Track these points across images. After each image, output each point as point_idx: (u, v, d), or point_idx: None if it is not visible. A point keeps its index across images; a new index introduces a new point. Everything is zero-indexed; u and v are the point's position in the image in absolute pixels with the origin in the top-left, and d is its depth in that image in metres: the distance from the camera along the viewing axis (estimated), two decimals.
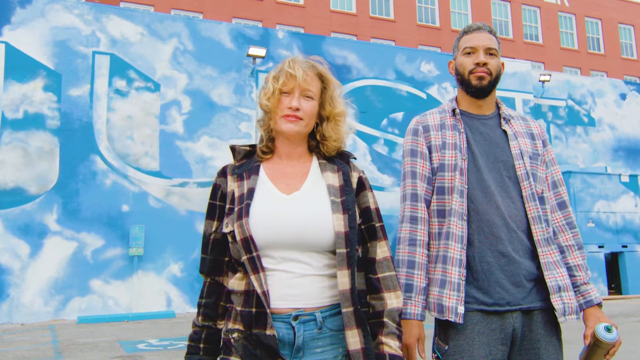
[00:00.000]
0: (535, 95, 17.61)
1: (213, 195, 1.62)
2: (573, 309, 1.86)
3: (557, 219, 1.99)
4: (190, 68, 13.42)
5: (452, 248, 1.86)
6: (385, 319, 1.54)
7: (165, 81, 13.17)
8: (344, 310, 1.47)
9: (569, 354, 2.12)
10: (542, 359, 1.83)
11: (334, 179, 1.61)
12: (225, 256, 1.59)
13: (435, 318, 1.90)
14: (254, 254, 1.47)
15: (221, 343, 1.55)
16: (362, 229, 1.61)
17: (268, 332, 1.43)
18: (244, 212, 1.50)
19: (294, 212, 1.52)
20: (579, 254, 1.97)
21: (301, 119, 1.58)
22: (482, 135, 1.98)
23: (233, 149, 1.67)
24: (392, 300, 1.56)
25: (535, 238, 1.87)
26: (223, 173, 1.64)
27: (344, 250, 1.49)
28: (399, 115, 15.39)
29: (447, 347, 1.84)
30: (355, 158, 1.71)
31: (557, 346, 1.88)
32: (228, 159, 1.69)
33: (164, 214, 12.49)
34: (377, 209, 1.65)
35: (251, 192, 1.55)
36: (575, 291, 1.93)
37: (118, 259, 11.96)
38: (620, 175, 16.38)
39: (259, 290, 1.45)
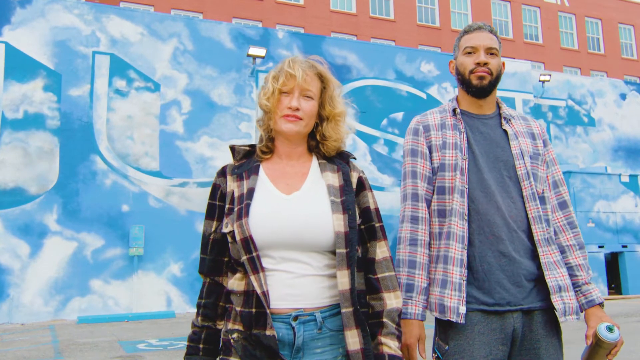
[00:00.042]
0: (535, 95, 17.60)
1: (212, 195, 1.62)
2: (573, 309, 1.86)
3: (558, 218, 1.98)
4: (190, 68, 13.42)
5: (453, 248, 1.85)
6: (384, 319, 1.54)
7: (165, 81, 13.17)
8: (343, 310, 1.47)
9: (569, 354, 2.12)
10: (543, 359, 1.82)
11: (334, 179, 1.60)
12: (224, 256, 1.58)
13: (436, 318, 1.90)
14: (254, 254, 1.47)
15: (221, 343, 1.55)
16: (361, 229, 1.60)
17: (268, 332, 1.43)
18: (243, 212, 1.50)
19: (293, 212, 1.51)
20: (580, 254, 1.96)
21: (301, 119, 1.58)
22: (482, 135, 1.98)
23: (232, 148, 1.67)
24: (392, 300, 1.56)
25: (535, 238, 1.87)
26: (222, 173, 1.63)
27: (344, 251, 1.48)
28: (399, 115, 15.39)
29: (447, 347, 1.84)
30: (355, 158, 1.71)
31: (558, 346, 1.88)
32: (228, 159, 1.69)
33: (164, 214, 12.49)
34: (377, 209, 1.64)
35: (251, 192, 1.55)
36: (576, 291, 1.92)
37: (118, 259, 11.96)
38: (620, 175, 16.38)
39: (258, 291, 1.45)
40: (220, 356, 1.52)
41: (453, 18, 27.18)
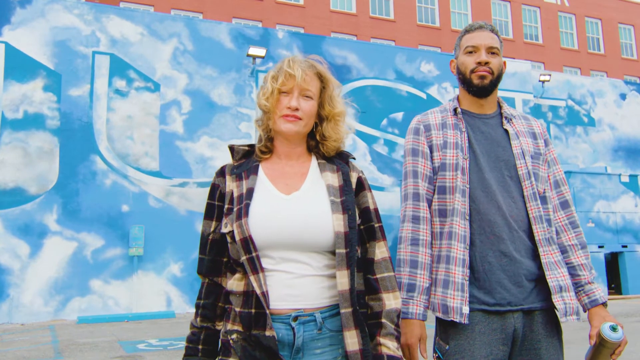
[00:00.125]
0: (535, 95, 17.60)
1: (211, 195, 1.61)
2: (574, 309, 1.85)
3: (559, 218, 1.98)
4: (190, 68, 13.41)
5: (455, 248, 1.85)
6: (383, 320, 1.53)
7: (165, 81, 13.16)
8: (342, 310, 1.46)
9: (569, 354, 2.12)
10: (543, 359, 1.82)
11: (334, 179, 1.60)
12: (223, 257, 1.57)
13: (437, 317, 1.89)
14: (254, 254, 1.46)
15: (219, 344, 1.54)
16: (361, 230, 1.60)
17: (267, 333, 1.42)
18: (243, 212, 1.49)
19: (293, 212, 1.51)
20: (582, 253, 1.95)
21: (300, 118, 1.57)
22: (483, 135, 1.97)
23: (232, 148, 1.66)
24: (391, 301, 1.55)
25: (536, 238, 1.86)
26: (222, 173, 1.63)
27: (344, 251, 1.48)
28: (399, 115, 15.38)
29: (447, 346, 1.84)
30: (354, 158, 1.70)
31: (558, 346, 1.87)
32: (228, 159, 1.68)
33: (164, 214, 12.48)
34: (376, 210, 1.64)
35: (250, 192, 1.54)
36: (579, 290, 1.91)
37: (118, 259, 11.95)
38: (620, 175, 16.38)
39: (258, 291, 1.44)
40: (220, 357, 1.51)
41: (453, 18, 27.18)
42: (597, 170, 16.34)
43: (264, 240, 1.48)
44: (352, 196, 1.57)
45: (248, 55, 13.67)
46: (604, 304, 1.89)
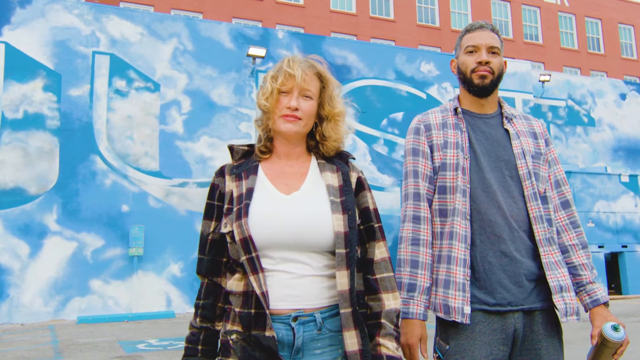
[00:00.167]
0: (535, 95, 17.60)
1: (211, 195, 1.60)
2: (574, 309, 1.85)
3: (560, 218, 1.97)
4: (190, 68, 13.41)
5: (456, 248, 1.84)
6: (383, 320, 1.53)
7: (165, 81, 13.16)
8: (342, 311, 1.46)
9: (569, 354, 2.11)
10: (543, 359, 1.82)
11: (333, 179, 1.59)
12: (223, 257, 1.57)
13: (437, 317, 1.89)
14: (253, 254, 1.46)
15: (219, 345, 1.54)
16: (360, 230, 1.59)
17: (267, 333, 1.42)
18: (243, 212, 1.49)
19: (293, 213, 1.50)
20: (584, 253, 1.95)
21: (300, 118, 1.57)
22: (484, 134, 1.97)
23: (231, 148, 1.65)
24: (390, 301, 1.55)
25: (536, 238, 1.86)
26: (221, 173, 1.62)
27: (344, 251, 1.48)
28: (399, 115, 15.38)
29: (448, 346, 1.83)
30: (354, 158, 1.70)
31: (558, 347, 1.87)
32: (228, 159, 1.68)
33: (163, 214, 12.48)
34: (376, 210, 1.63)
35: (250, 192, 1.53)
36: (581, 290, 1.91)
37: (118, 259, 11.95)
38: (620, 175, 16.38)
39: (258, 291, 1.43)
40: (219, 357, 1.50)
41: (453, 18, 27.18)
42: (597, 170, 16.34)
43: (263, 240, 1.47)
44: (352, 196, 1.57)
45: (248, 55, 13.67)
46: (606, 304, 1.88)
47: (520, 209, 1.88)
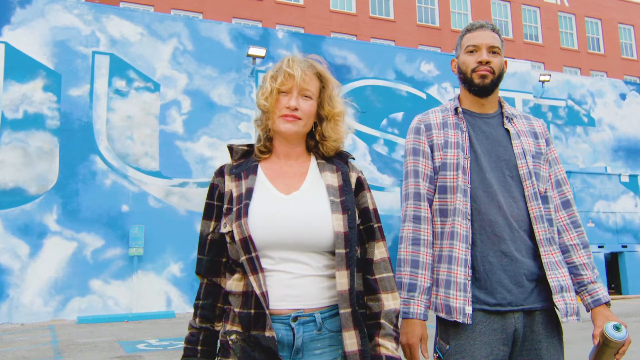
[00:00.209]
0: (535, 95, 17.59)
1: (210, 195, 1.60)
2: (574, 309, 1.84)
3: (561, 218, 1.97)
4: (190, 68, 13.41)
5: (457, 248, 1.84)
6: (382, 321, 1.53)
7: (165, 81, 13.16)
8: (341, 311, 1.45)
9: (569, 354, 2.11)
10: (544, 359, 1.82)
11: (333, 179, 1.59)
12: (222, 257, 1.56)
13: (437, 317, 1.89)
14: (253, 254, 1.45)
15: (218, 345, 1.53)
16: (360, 230, 1.59)
17: (267, 333, 1.41)
18: (242, 212, 1.48)
19: (293, 212, 1.50)
20: (585, 253, 1.95)
21: (299, 118, 1.56)
22: (484, 134, 1.97)
23: (230, 148, 1.65)
24: (390, 301, 1.54)
25: (537, 238, 1.86)
26: (220, 173, 1.61)
27: (343, 251, 1.47)
28: (399, 115, 15.38)
29: (448, 346, 1.83)
30: (353, 158, 1.69)
31: (559, 347, 1.87)
32: (227, 159, 1.67)
33: (163, 214, 12.48)
34: (375, 210, 1.63)
35: (250, 192, 1.53)
36: (582, 290, 1.90)
37: (118, 259, 11.95)
38: (620, 175, 16.38)
39: (258, 291, 1.43)
40: (218, 358, 1.50)
41: (453, 18, 27.17)
42: (597, 170, 16.35)
43: (263, 240, 1.47)
44: (351, 196, 1.57)
45: (248, 55, 13.66)
46: (607, 304, 1.88)
47: (521, 209, 1.88)
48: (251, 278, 1.44)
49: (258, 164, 1.62)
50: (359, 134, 14.71)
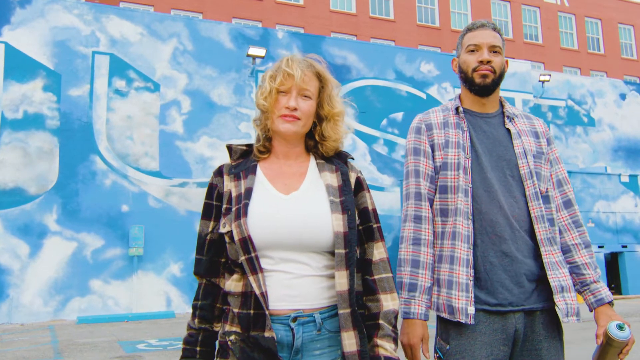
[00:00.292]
0: (535, 95, 17.59)
1: (209, 195, 1.59)
2: (575, 310, 1.84)
3: (562, 217, 1.97)
4: (190, 68, 13.41)
5: (459, 248, 1.83)
6: (381, 321, 1.52)
7: (165, 81, 13.15)
8: (340, 311, 1.45)
9: (569, 354, 2.11)
10: None
11: (333, 179, 1.58)
12: (221, 257, 1.56)
13: (438, 317, 1.88)
14: (253, 254, 1.44)
15: (217, 346, 1.53)
16: (359, 230, 1.58)
17: (267, 334, 1.41)
18: (242, 212, 1.48)
19: (292, 212, 1.49)
20: (586, 252, 1.94)
21: (299, 118, 1.56)
22: (485, 134, 1.96)
23: (229, 148, 1.64)
24: (388, 302, 1.54)
25: (538, 238, 1.85)
26: (219, 172, 1.61)
27: (343, 251, 1.47)
28: (399, 115, 15.37)
29: (448, 346, 1.83)
30: (353, 158, 1.69)
31: (559, 347, 1.86)
32: (227, 159, 1.67)
33: (163, 214, 12.48)
34: (375, 210, 1.63)
35: (249, 191, 1.52)
36: (585, 290, 1.90)
37: (118, 259, 11.94)
38: (620, 175, 16.36)
39: (257, 292, 1.42)
40: (218, 358, 1.49)
41: (453, 18, 27.17)
42: (597, 170, 16.33)
43: (263, 241, 1.46)
44: (351, 196, 1.56)
45: (248, 55, 13.66)
46: (610, 303, 1.87)
47: (522, 209, 1.87)
48: (251, 278, 1.44)
49: (257, 164, 1.61)
50: (359, 134, 14.71)
